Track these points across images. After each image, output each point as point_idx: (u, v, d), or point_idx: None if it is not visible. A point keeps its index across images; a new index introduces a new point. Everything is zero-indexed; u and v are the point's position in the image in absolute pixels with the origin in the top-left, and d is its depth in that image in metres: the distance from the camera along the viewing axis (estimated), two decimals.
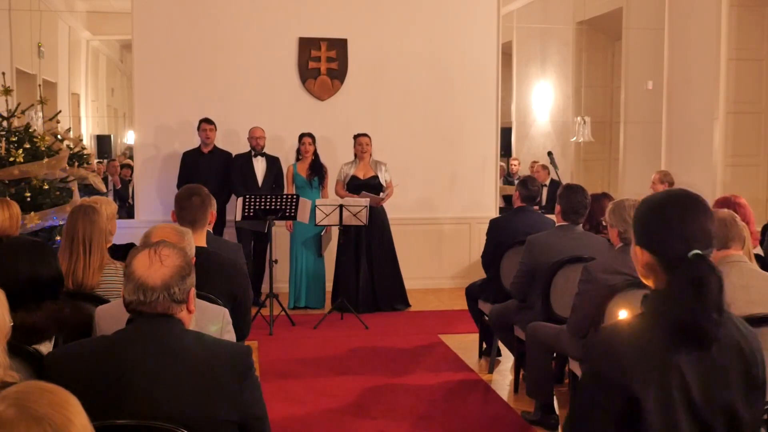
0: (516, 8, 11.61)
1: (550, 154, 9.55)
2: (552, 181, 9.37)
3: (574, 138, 9.85)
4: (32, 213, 5.52)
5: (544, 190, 8.94)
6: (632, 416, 1.54)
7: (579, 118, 9.73)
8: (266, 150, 7.32)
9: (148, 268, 1.96)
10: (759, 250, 4.67)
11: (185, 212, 3.31)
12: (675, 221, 1.70)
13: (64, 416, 1.30)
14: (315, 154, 7.20)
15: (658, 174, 7.02)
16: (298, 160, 7.26)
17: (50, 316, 2.54)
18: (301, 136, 7.17)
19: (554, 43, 11.54)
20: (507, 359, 5.39)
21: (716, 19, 7.77)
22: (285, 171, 7.32)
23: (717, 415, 1.65)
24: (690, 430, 1.60)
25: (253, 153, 7.25)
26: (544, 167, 9.67)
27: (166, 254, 1.99)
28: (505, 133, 11.26)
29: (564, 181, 8.17)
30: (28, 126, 6.28)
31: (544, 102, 11.87)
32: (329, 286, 7.21)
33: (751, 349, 1.69)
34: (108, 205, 3.76)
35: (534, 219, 5.12)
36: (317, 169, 7.20)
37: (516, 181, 8.47)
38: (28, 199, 5.65)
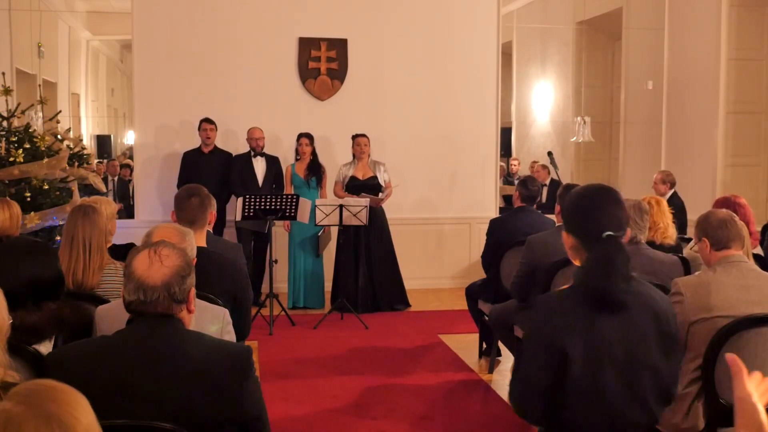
0: (516, 8, 11.60)
1: (550, 154, 9.55)
2: (552, 181, 9.37)
3: (574, 138, 9.85)
4: (32, 213, 5.53)
5: (544, 190, 8.94)
6: (563, 367, 1.88)
7: (579, 118, 9.73)
8: (266, 150, 7.32)
9: (148, 268, 1.96)
10: (759, 250, 4.67)
11: (184, 212, 3.31)
12: (591, 210, 2.06)
13: (73, 416, 1.31)
14: (313, 154, 7.20)
15: (660, 174, 7.03)
16: (297, 160, 7.26)
17: (50, 316, 2.54)
18: (299, 137, 7.17)
19: (554, 43, 11.54)
20: (507, 359, 5.39)
21: (716, 19, 7.77)
22: (284, 171, 7.33)
23: (639, 369, 1.95)
24: (615, 382, 1.91)
25: (252, 153, 7.25)
26: (544, 167, 9.67)
27: (166, 254, 1.99)
28: (505, 133, 11.25)
29: (564, 181, 8.18)
30: (28, 126, 6.28)
31: (544, 102, 11.87)
32: (328, 286, 7.22)
33: (663, 310, 2.02)
34: (108, 205, 3.76)
35: (534, 219, 5.11)
36: (315, 170, 7.20)
37: (516, 181, 8.47)
38: (28, 199, 5.64)
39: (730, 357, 1.43)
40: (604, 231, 2.00)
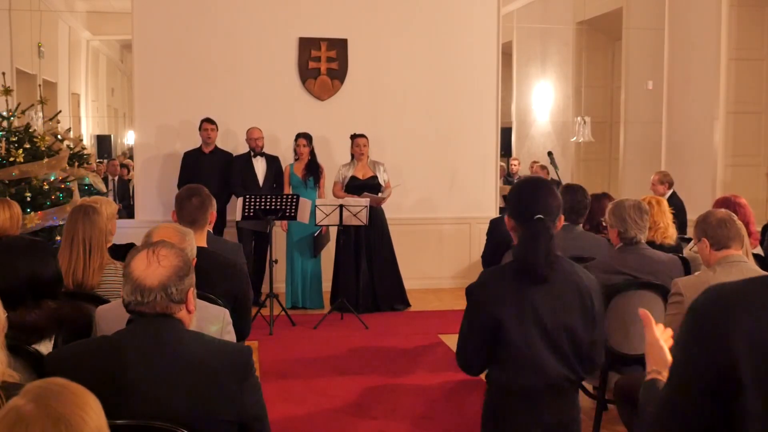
0: (516, 8, 11.61)
1: (550, 154, 9.55)
2: (552, 181, 9.37)
3: (574, 138, 9.85)
4: (32, 213, 5.53)
5: None
6: (498, 331, 2.23)
7: (579, 118, 9.74)
8: (266, 150, 7.32)
9: (146, 269, 1.96)
10: (759, 250, 4.67)
11: (185, 212, 3.31)
12: (526, 197, 2.41)
13: (81, 418, 1.31)
14: (312, 154, 7.20)
15: (657, 175, 7.03)
16: (295, 160, 7.26)
17: (49, 315, 2.55)
18: (296, 137, 7.17)
19: (554, 43, 11.54)
20: None
21: (716, 19, 7.77)
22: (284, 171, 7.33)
23: (561, 333, 2.27)
24: (542, 343, 2.25)
25: (252, 154, 7.25)
26: (544, 167, 9.67)
27: (163, 255, 1.99)
28: (505, 133, 11.27)
29: (564, 181, 8.18)
30: (28, 126, 6.28)
31: (544, 102, 11.88)
32: (327, 286, 7.22)
33: (586, 287, 2.32)
34: (108, 205, 3.76)
35: None
36: (313, 169, 7.20)
37: (516, 181, 8.45)
38: (28, 199, 5.65)
39: (642, 311, 1.65)
40: (535, 215, 2.34)
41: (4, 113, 6.08)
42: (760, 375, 1.17)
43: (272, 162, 7.31)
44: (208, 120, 7.26)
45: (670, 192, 6.84)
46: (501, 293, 2.30)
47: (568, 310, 2.29)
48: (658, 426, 1.33)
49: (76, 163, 7.35)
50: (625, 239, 3.63)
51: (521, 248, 2.33)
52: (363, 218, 6.53)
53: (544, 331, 2.29)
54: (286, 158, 7.42)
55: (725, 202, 4.46)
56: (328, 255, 7.24)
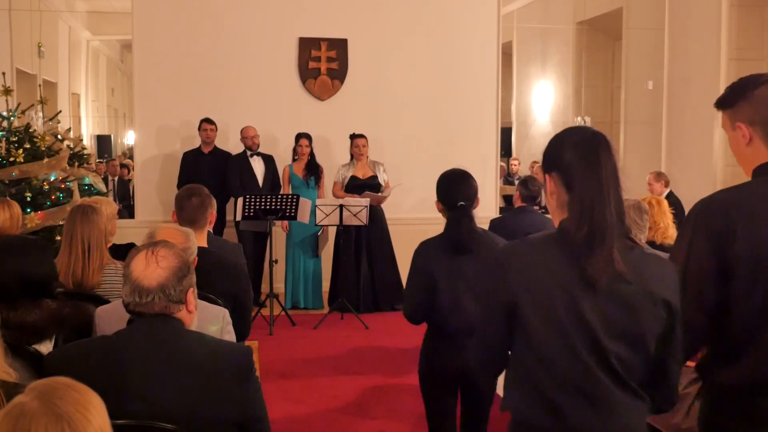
0: (516, 8, 11.62)
1: None
2: None
3: None
4: (32, 213, 5.53)
5: (543, 191, 8.94)
6: (434, 287, 2.87)
7: (579, 118, 9.74)
8: (265, 150, 7.32)
9: (144, 270, 1.96)
10: None
11: (184, 212, 3.30)
12: (451, 188, 3.06)
13: (84, 416, 1.32)
14: (311, 154, 7.21)
15: (651, 174, 7.09)
16: (294, 160, 7.26)
17: (49, 315, 2.55)
18: (298, 137, 7.17)
19: (554, 43, 11.55)
20: None
21: (716, 19, 7.77)
22: (281, 171, 7.32)
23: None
24: (466, 296, 2.87)
25: (249, 153, 7.24)
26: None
27: (162, 255, 1.99)
28: (505, 133, 11.26)
29: None
30: (28, 126, 6.28)
31: (544, 102, 11.88)
32: (326, 286, 7.22)
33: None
34: (108, 205, 3.76)
35: (534, 219, 5.11)
36: (313, 169, 7.20)
37: (516, 181, 8.47)
38: (28, 199, 5.65)
39: None
40: (458, 201, 3.01)
41: (4, 113, 6.08)
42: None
43: (269, 161, 7.31)
44: (207, 120, 7.26)
45: (667, 191, 6.84)
46: (435, 257, 2.90)
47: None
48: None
49: (76, 163, 7.34)
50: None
51: (449, 228, 3.00)
52: (363, 218, 6.53)
53: (467, 287, 2.91)
54: (287, 158, 7.42)
55: None
56: (328, 255, 7.24)
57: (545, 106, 11.84)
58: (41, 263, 2.59)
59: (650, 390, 1.77)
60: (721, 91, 2.05)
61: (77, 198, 6.09)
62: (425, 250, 3.03)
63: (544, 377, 1.71)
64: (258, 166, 7.25)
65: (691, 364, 2.10)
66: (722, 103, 2.02)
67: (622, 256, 1.67)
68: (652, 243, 3.94)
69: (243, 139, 7.23)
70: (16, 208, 3.72)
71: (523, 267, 1.75)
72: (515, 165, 10.94)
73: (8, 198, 4.12)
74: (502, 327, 1.77)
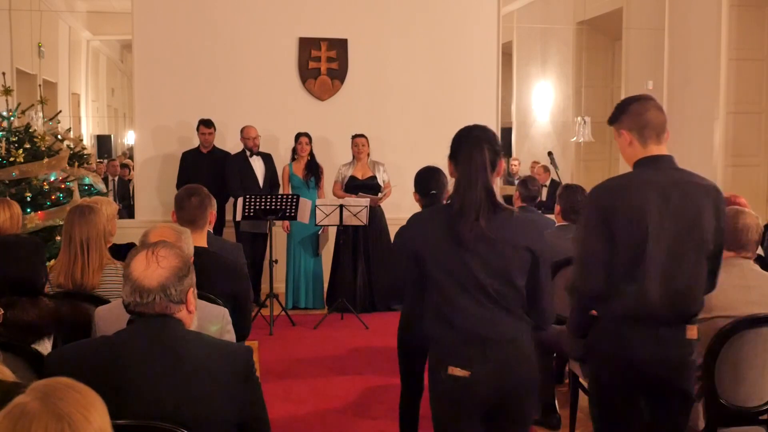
0: (516, 8, 11.61)
1: (550, 154, 9.55)
2: (552, 181, 9.37)
3: (575, 138, 9.85)
4: (32, 213, 5.52)
5: (544, 191, 8.94)
6: (417, 261, 2.50)
7: (579, 118, 9.73)
8: (265, 149, 7.31)
9: (145, 270, 1.96)
10: (760, 251, 4.66)
11: (184, 212, 3.30)
12: (422, 179, 3.71)
13: (85, 417, 1.32)
14: (311, 154, 7.20)
15: None
16: (293, 159, 7.25)
17: (47, 314, 2.55)
18: (298, 136, 7.17)
19: (554, 43, 11.54)
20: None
21: (716, 19, 7.77)
22: (280, 171, 7.31)
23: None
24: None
25: (249, 153, 7.23)
26: (545, 168, 9.67)
27: (162, 255, 1.99)
28: (505, 133, 11.25)
29: (564, 182, 8.18)
30: (28, 126, 6.28)
31: (544, 102, 11.87)
32: (326, 286, 7.22)
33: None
34: (108, 206, 3.76)
35: (534, 219, 5.11)
36: (313, 169, 7.19)
37: (516, 181, 8.46)
38: (28, 199, 5.64)
39: None
40: (430, 190, 3.59)
41: (4, 113, 6.07)
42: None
43: (269, 161, 7.31)
44: (204, 123, 7.23)
45: None
46: (418, 234, 2.73)
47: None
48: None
49: (76, 163, 7.34)
50: None
51: (423, 209, 3.35)
52: (363, 218, 6.53)
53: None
54: (287, 158, 7.41)
55: (727, 203, 4.45)
56: (328, 255, 7.24)
57: (545, 106, 11.83)
58: (20, 263, 2.59)
59: (529, 312, 2.47)
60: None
61: (77, 198, 6.09)
62: (408, 225, 3.30)
63: (445, 306, 2.41)
64: (258, 166, 7.24)
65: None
66: (611, 120, 2.78)
67: (491, 220, 2.37)
68: None
69: (244, 139, 7.22)
70: (16, 208, 3.72)
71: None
72: (515, 165, 10.93)
73: (7, 198, 4.12)
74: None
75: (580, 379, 3.83)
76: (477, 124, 2.76)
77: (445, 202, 3.27)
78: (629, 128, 2.70)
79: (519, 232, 2.42)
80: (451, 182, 2.64)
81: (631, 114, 2.70)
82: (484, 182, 2.40)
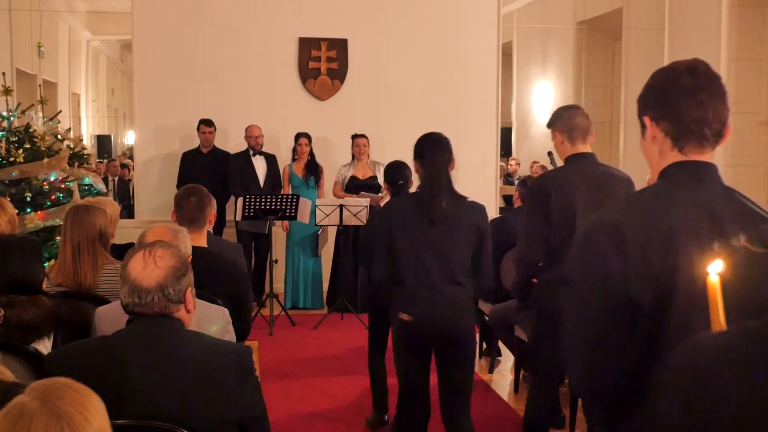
0: (516, 8, 11.62)
1: (550, 154, 9.52)
2: None
3: None
4: (32, 213, 5.52)
5: None
6: (389, 234, 3.18)
7: None
8: (265, 149, 7.31)
9: (143, 270, 1.96)
10: None
11: (183, 212, 3.30)
12: (390, 171, 4.18)
13: (84, 416, 1.33)
14: (311, 154, 7.21)
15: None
16: (294, 160, 7.25)
17: (46, 313, 2.55)
18: (298, 136, 7.16)
19: (554, 43, 11.54)
20: (507, 359, 5.39)
21: (716, 19, 7.77)
22: (281, 171, 7.32)
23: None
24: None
25: (252, 153, 7.24)
26: (544, 168, 9.67)
27: (160, 255, 1.99)
28: (505, 133, 11.26)
29: None
30: (28, 126, 6.27)
31: (544, 102, 11.87)
32: (326, 286, 7.21)
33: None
34: (109, 206, 3.75)
35: (480, 205, 5.17)
36: (313, 169, 7.20)
37: (516, 181, 8.48)
38: (28, 199, 5.64)
39: None
40: (397, 181, 4.05)
41: (4, 113, 6.07)
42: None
43: (272, 161, 7.30)
44: (205, 123, 7.23)
45: None
46: (394, 217, 3.25)
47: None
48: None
49: (76, 163, 7.34)
50: None
51: (395, 196, 3.89)
52: (363, 218, 6.52)
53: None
54: (287, 159, 7.41)
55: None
56: (327, 255, 7.23)
57: (545, 106, 11.83)
58: (26, 262, 2.60)
59: (474, 273, 3.18)
60: None
61: (77, 198, 6.09)
62: (384, 209, 3.72)
63: (404, 269, 3.14)
64: (260, 166, 7.24)
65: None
66: (548, 124, 3.44)
67: (451, 205, 3.11)
68: None
69: (247, 138, 7.22)
70: (11, 210, 3.71)
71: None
72: (512, 165, 10.93)
73: (7, 199, 4.11)
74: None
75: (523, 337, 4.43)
76: (435, 131, 3.41)
77: (411, 191, 3.90)
78: (561, 131, 3.36)
79: (470, 214, 3.19)
80: (414, 176, 3.39)
81: (562, 119, 3.37)
82: (445, 176, 3.18)
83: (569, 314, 1.69)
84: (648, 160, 1.80)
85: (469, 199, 3.21)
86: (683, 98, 1.66)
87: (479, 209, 3.24)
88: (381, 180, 7.11)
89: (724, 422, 0.99)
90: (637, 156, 9.39)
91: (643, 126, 1.83)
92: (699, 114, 1.64)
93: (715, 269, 1.29)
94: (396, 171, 4.20)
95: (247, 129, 7.23)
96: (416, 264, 3.11)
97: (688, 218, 1.58)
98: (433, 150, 3.24)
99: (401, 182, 4.06)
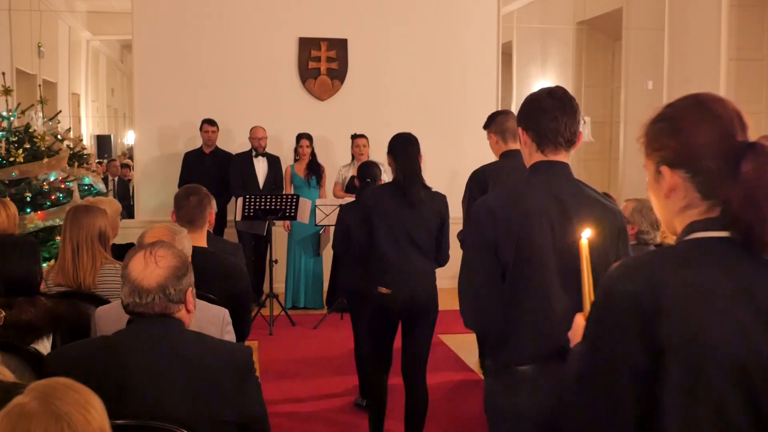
0: (516, 8, 11.61)
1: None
2: None
3: None
4: (32, 213, 5.52)
5: None
6: (369, 219, 3.69)
7: (579, 118, 9.73)
8: (267, 149, 7.31)
9: (143, 270, 1.96)
10: None
11: (183, 211, 3.29)
12: (361, 170, 4.65)
13: (84, 417, 1.33)
14: (312, 154, 7.21)
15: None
16: (296, 160, 7.25)
17: (45, 313, 2.55)
18: (299, 137, 7.17)
19: (554, 43, 11.54)
20: None
21: (716, 19, 7.77)
22: (284, 172, 7.32)
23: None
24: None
25: (254, 153, 7.24)
26: None
27: (161, 255, 1.99)
28: None
29: None
30: (28, 126, 6.27)
31: None
32: (326, 286, 7.21)
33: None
34: (110, 206, 3.75)
35: (441, 194, 5.20)
36: (315, 169, 7.20)
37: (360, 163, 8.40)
38: (28, 199, 5.64)
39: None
40: (366, 179, 4.56)
41: (4, 113, 6.07)
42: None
43: (274, 162, 7.30)
44: (208, 122, 7.25)
45: None
46: (374, 205, 3.72)
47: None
48: None
49: (76, 163, 7.34)
50: (641, 240, 3.70)
51: (366, 194, 3.99)
52: None
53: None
54: (287, 159, 7.41)
55: None
56: (328, 255, 7.23)
57: None
58: (23, 262, 2.59)
59: (435, 254, 3.75)
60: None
61: (77, 198, 6.09)
62: (365, 197, 4.04)
63: (381, 248, 3.65)
64: (261, 167, 7.24)
65: None
66: (485, 126, 4.03)
67: (421, 192, 3.64)
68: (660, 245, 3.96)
69: (251, 139, 7.23)
70: (13, 208, 3.72)
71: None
72: None
73: (6, 198, 4.11)
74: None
75: None
76: (405, 131, 3.87)
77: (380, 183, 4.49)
78: (495, 132, 3.92)
79: (436, 201, 3.73)
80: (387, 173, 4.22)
81: (496, 123, 3.93)
82: (417, 168, 3.68)
83: (461, 270, 2.37)
84: (524, 160, 2.31)
85: (434, 189, 3.76)
86: (542, 115, 2.19)
87: (442, 198, 3.78)
88: (381, 180, 7.13)
89: None
90: (637, 156, 9.41)
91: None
92: (554, 126, 2.18)
93: (585, 235, 1.71)
94: (365, 169, 4.66)
95: (251, 130, 7.23)
96: (393, 243, 3.62)
97: (540, 202, 2.13)
98: (405, 145, 3.74)
99: (369, 179, 4.55)
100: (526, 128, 2.25)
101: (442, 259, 3.83)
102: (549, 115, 2.19)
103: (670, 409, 1.23)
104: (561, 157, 2.23)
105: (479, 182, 3.88)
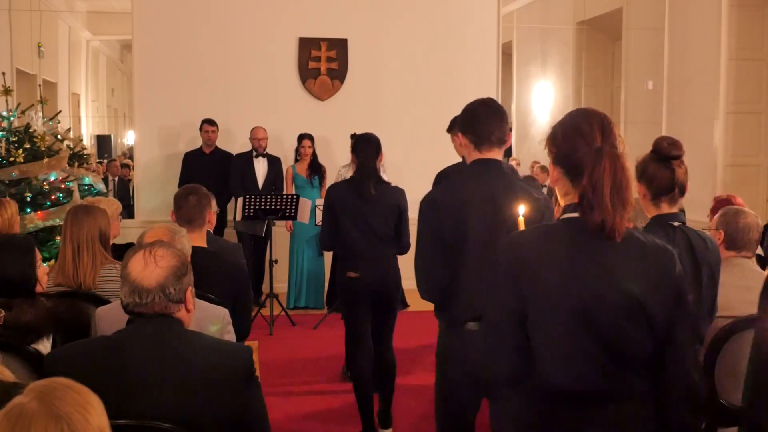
0: (516, 8, 11.62)
1: None
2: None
3: None
4: (32, 213, 5.52)
5: (544, 190, 8.93)
6: (334, 213, 4.06)
7: None
8: (267, 149, 7.31)
9: (143, 270, 1.96)
10: (759, 250, 4.66)
11: (182, 211, 3.29)
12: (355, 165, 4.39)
13: (83, 417, 1.32)
14: (314, 154, 7.21)
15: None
16: (297, 160, 7.26)
17: (45, 314, 2.55)
18: (301, 138, 7.17)
19: (554, 43, 11.55)
20: None
21: (716, 19, 7.77)
22: (284, 172, 7.31)
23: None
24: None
25: (254, 154, 7.24)
26: (544, 168, 9.67)
27: (160, 255, 1.99)
28: None
29: None
30: (28, 126, 6.27)
31: (544, 102, 11.87)
32: (326, 286, 7.21)
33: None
34: (110, 205, 3.75)
35: (400, 188, 5.22)
36: (316, 169, 7.20)
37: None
38: (28, 199, 5.64)
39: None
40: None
41: (4, 113, 6.07)
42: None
43: (274, 163, 7.30)
44: (208, 121, 7.25)
45: None
46: (339, 198, 4.05)
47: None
48: None
49: (76, 163, 7.34)
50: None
51: (327, 191, 4.22)
52: None
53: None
54: (287, 159, 7.41)
55: (725, 203, 4.46)
56: (327, 254, 7.23)
57: (545, 106, 11.83)
58: (20, 262, 2.59)
59: (396, 241, 4.07)
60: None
61: (77, 198, 6.09)
62: (337, 191, 4.29)
63: (348, 239, 4.03)
64: (260, 167, 7.23)
65: None
66: (449, 128, 4.45)
67: (377, 188, 3.98)
68: None
69: (251, 139, 7.23)
70: (13, 207, 3.72)
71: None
72: (515, 165, 10.92)
73: (6, 198, 4.11)
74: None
75: None
76: (368, 132, 4.18)
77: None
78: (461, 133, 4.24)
79: (393, 195, 4.06)
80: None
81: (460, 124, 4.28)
82: (373, 165, 4.01)
83: (416, 251, 2.83)
84: (466, 159, 2.85)
85: (392, 184, 4.15)
86: (477, 120, 2.75)
87: (399, 191, 4.10)
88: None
89: None
90: (635, 156, 9.40)
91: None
92: (488, 129, 2.73)
93: (521, 211, 2.21)
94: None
95: (252, 130, 7.23)
96: (360, 233, 3.99)
97: (475, 193, 2.69)
98: (364, 144, 4.07)
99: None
100: (464, 132, 2.79)
101: (403, 248, 4.14)
102: (483, 120, 2.74)
103: (535, 339, 1.77)
104: (494, 154, 2.76)
105: (440, 177, 4.40)
